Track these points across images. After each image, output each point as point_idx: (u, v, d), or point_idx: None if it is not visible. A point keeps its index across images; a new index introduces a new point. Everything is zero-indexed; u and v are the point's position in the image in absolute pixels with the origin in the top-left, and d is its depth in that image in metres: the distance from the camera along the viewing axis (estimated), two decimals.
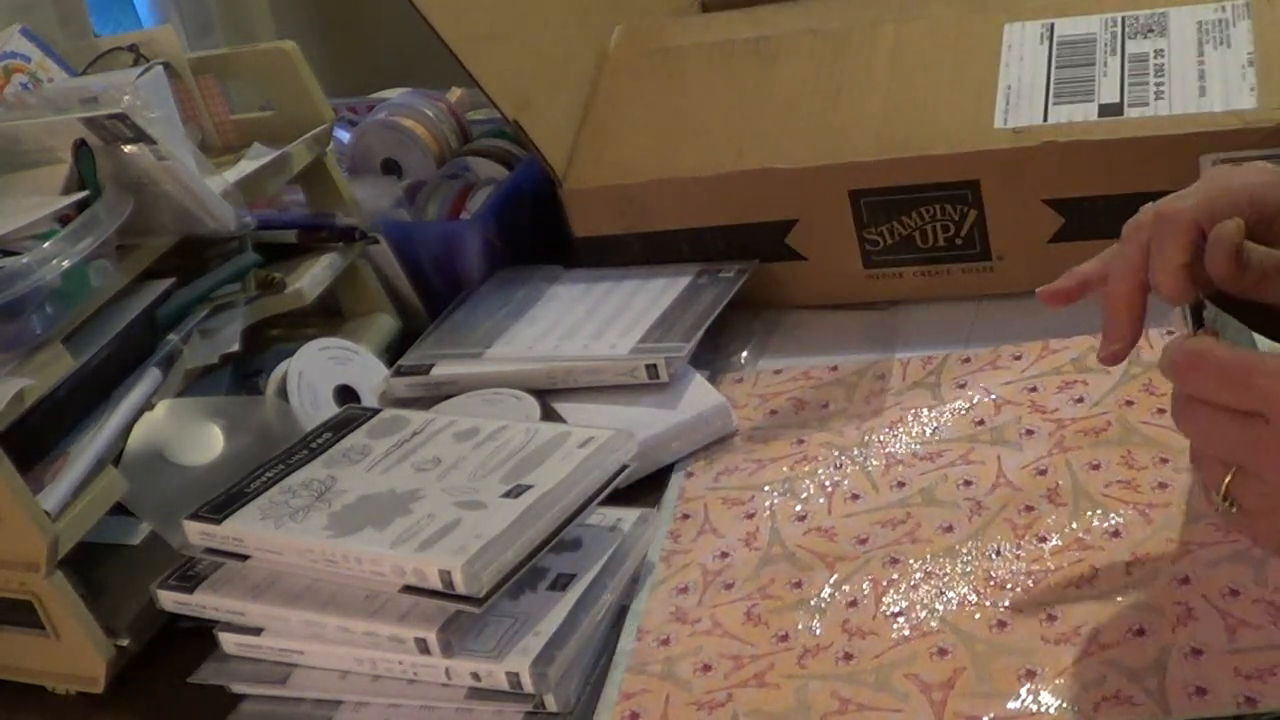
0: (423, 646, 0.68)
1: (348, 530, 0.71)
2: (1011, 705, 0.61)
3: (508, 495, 0.71)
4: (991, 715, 0.61)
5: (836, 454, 0.82)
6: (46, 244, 0.78)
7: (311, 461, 0.79)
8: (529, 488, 0.72)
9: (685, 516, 0.81)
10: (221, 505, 0.76)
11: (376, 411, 0.85)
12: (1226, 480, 0.55)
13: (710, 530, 0.79)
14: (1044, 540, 0.70)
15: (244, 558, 0.74)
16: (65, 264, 0.78)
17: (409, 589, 0.68)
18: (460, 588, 0.66)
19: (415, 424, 0.82)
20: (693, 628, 0.72)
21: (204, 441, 0.89)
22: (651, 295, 0.98)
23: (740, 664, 0.68)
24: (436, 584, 0.67)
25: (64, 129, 0.84)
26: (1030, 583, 0.68)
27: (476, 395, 0.93)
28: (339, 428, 0.83)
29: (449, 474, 0.75)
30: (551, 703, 0.68)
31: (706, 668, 0.68)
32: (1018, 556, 0.70)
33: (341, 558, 0.70)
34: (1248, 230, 0.58)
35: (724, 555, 0.76)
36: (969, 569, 0.70)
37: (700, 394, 0.89)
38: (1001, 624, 0.66)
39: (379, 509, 0.73)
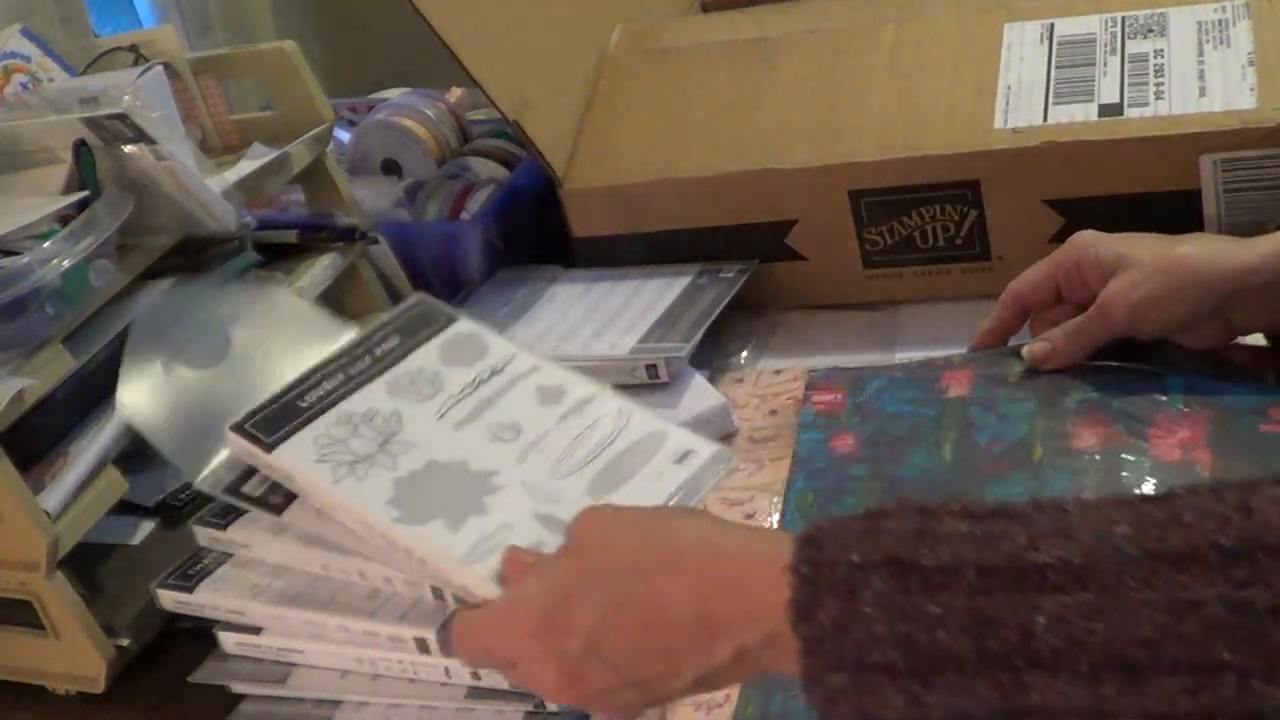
0: (423, 646, 0.68)
1: (415, 517, 0.65)
2: None
3: None
4: None
5: None
6: (46, 244, 0.78)
7: (375, 380, 0.72)
8: None
9: None
10: (272, 423, 0.68)
11: (452, 320, 0.76)
12: None
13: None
14: None
15: (275, 508, 0.68)
16: (65, 264, 0.78)
17: (438, 594, 0.66)
18: None
19: (494, 358, 0.73)
20: None
21: (212, 340, 0.79)
22: (651, 295, 0.98)
23: None
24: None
25: (64, 129, 0.84)
26: None
27: None
28: (408, 333, 0.75)
29: (529, 456, 0.69)
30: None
31: None
32: None
33: (405, 550, 0.65)
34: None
35: None
36: None
37: (700, 394, 0.89)
38: None
39: (451, 492, 0.66)
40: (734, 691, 0.66)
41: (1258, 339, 0.79)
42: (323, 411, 0.69)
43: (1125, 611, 0.43)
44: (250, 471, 0.70)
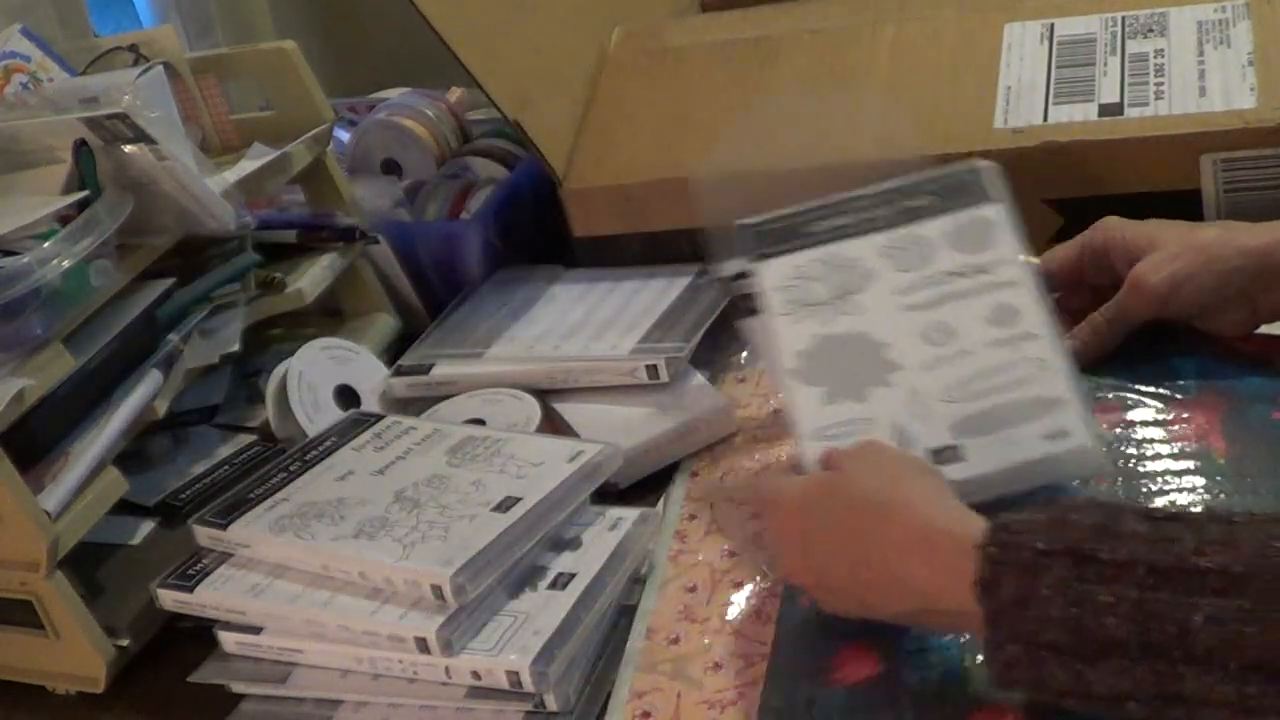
0: (423, 646, 0.68)
1: (809, 380, 0.71)
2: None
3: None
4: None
5: None
6: (46, 244, 0.78)
7: (878, 233, 0.76)
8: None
9: (692, 517, 0.80)
10: (772, 238, 0.75)
11: (986, 201, 0.77)
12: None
13: (717, 530, 0.79)
14: None
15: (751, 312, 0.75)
16: (65, 264, 0.78)
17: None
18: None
19: (988, 257, 0.75)
20: (702, 626, 0.72)
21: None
22: (652, 295, 0.98)
23: (751, 662, 0.68)
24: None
25: (64, 129, 0.84)
26: None
27: (477, 395, 0.93)
28: (941, 197, 0.78)
29: (939, 367, 0.71)
30: (551, 701, 0.67)
31: (717, 666, 0.69)
32: None
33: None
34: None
35: (732, 555, 0.76)
36: None
37: (701, 394, 0.89)
38: None
39: (852, 367, 0.71)
40: (748, 688, 0.66)
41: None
42: (820, 244, 0.74)
43: (1276, 620, 0.48)
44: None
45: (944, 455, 0.68)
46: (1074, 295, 0.82)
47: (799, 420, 0.71)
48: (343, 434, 0.84)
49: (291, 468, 0.80)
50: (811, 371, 0.71)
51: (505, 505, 0.73)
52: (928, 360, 0.71)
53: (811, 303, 0.73)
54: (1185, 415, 0.75)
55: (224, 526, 0.75)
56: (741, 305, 0.75)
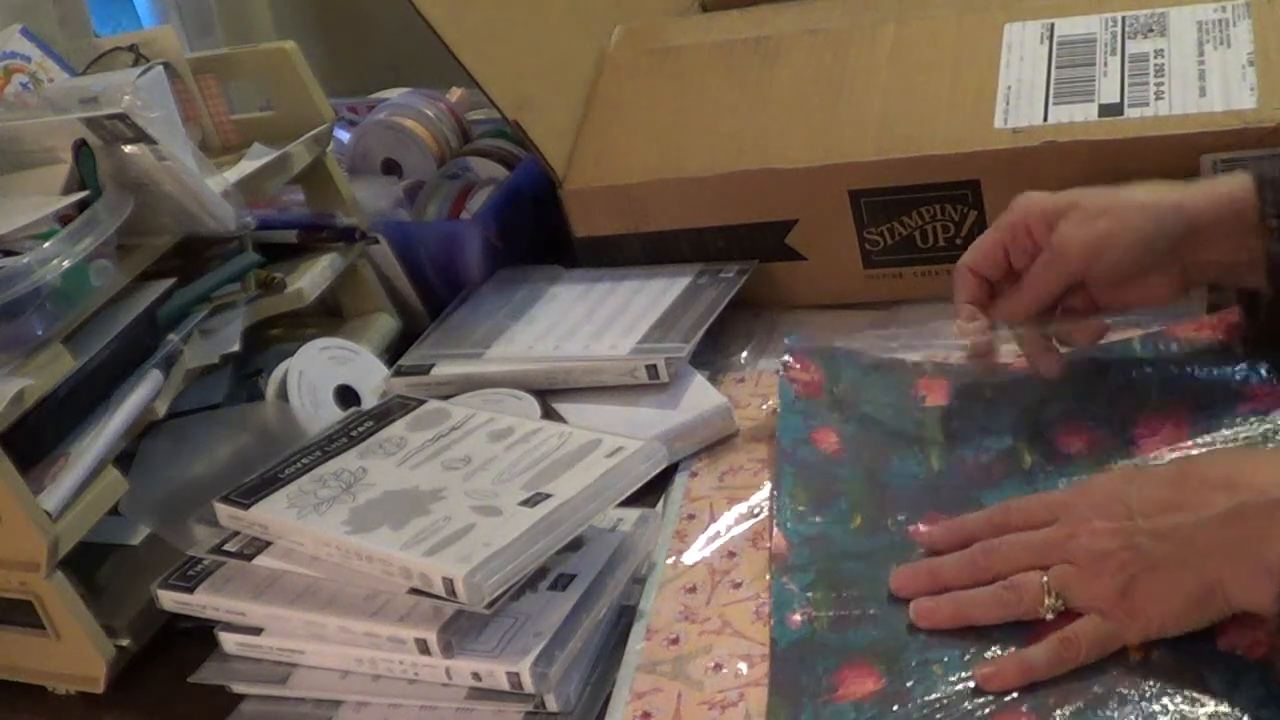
0: (423, 647, 0.68)
1: (364, 527, 0.71)
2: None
3: (525, 504, 0.71)
4: None
5: None
6: (47, 244, 0.78)
7: (348, 450, 0.80)
8: (547, 497, 0.71)
9: (691, 516, 0.81)
10: (253, 490, 0.76)
11: (422, 402, 0.85)
12: (1045, 581, 0.64)
13: (716, 530, 0.79)
14: None
15: (265, 544, 0.75)
16: (65, 264, 0.78)
17: (416, 591, 0.68)
18: (461, 597, 0.66)
19: (455, 418, 0.82)
20: (702, 627, 0.72)
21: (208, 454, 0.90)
22: (651, 295, 0.98)
23: (752, 663, 0.68)
24: (440, 590, 0.67)
25: (64, 129, 0.84)
26: None
27: (476, 395, 0.93)
28: (382, 416, 0.84)
29: (475, 475, 0.75)
30: (552, 703, 0.68)
31: (718, 667, 0.69)
32: None
33: (355, 554, 0.70)
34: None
35: (731, 555, 0.76)
36: None
37: (701, 394, 0.89)
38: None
39: (399, 507, 0.72)
40: (748, 688, 0.66)
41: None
42: (298, 477, 0.77)
43: None
44: (231, 535, 0.77)
45: (532, 500, 0.71)
46: (1006, 284, 0.80)
47: (384, 550, 0.69)
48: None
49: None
50: (365, 524, 0.71)
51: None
52: (460, 477, 0.75)
53: (325, 500, 0.74)
54: (1155, 426, 0.75)
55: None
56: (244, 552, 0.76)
